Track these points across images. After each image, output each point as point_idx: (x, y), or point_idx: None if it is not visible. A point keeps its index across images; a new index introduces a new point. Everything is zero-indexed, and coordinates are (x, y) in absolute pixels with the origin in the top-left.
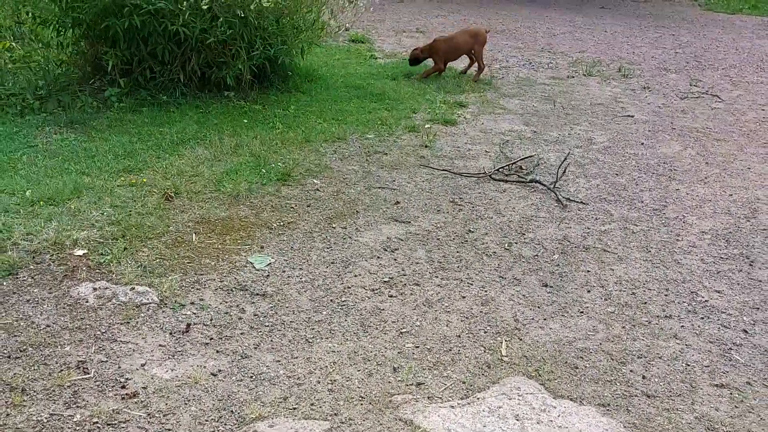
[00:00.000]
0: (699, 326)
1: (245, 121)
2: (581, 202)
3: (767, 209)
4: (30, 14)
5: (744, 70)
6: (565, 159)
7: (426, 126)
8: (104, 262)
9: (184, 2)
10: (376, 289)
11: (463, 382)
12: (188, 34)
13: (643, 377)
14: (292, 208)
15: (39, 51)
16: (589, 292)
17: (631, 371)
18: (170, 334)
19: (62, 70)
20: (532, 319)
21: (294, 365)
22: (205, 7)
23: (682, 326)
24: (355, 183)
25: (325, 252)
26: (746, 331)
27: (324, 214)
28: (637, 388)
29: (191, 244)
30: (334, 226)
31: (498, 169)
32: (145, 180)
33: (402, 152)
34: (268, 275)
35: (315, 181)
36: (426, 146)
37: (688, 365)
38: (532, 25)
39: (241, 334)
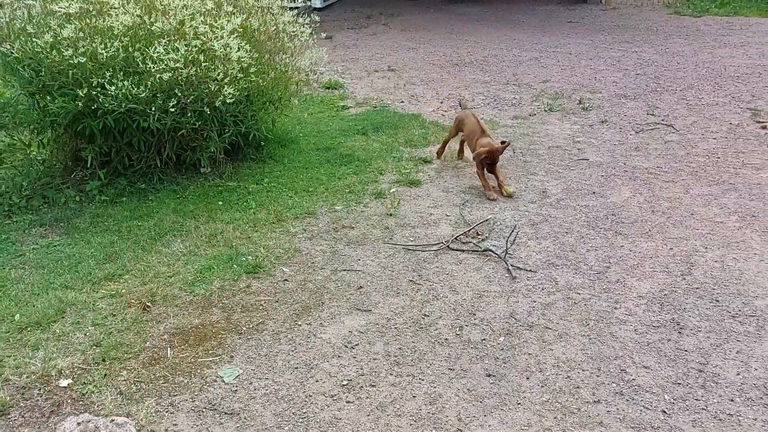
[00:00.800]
0: (623, 410)
1: (220, 203)
2: (530, 270)
3: (703, 262)
4: (10, 118)
5: (702, 90)
6: (513, 230)
7: (391, 190)
8: (86, 392)
9: (152, 106)
10: (335, 395)
11: None
12: (161, 128)
13: None
14: (261, 305)
15: (20, 151)
16: (528, 379)
17: None
18: None
19: (44, 167)
20: (474, 416)
21: None
22: (172, 109)
23: (608, 411)
24: (322, 267)
25: (290, 355)
26: (665, 412)
27: (291, 310)
28: None
29: (166, 360)
30: (299, 323)
31: (456, 238)
32: (124, 291)
33: (368, 224)
34: (236, 390)
35: (284, 270)
36: (390, 214)
37: None
38: (499, 53)
39: None
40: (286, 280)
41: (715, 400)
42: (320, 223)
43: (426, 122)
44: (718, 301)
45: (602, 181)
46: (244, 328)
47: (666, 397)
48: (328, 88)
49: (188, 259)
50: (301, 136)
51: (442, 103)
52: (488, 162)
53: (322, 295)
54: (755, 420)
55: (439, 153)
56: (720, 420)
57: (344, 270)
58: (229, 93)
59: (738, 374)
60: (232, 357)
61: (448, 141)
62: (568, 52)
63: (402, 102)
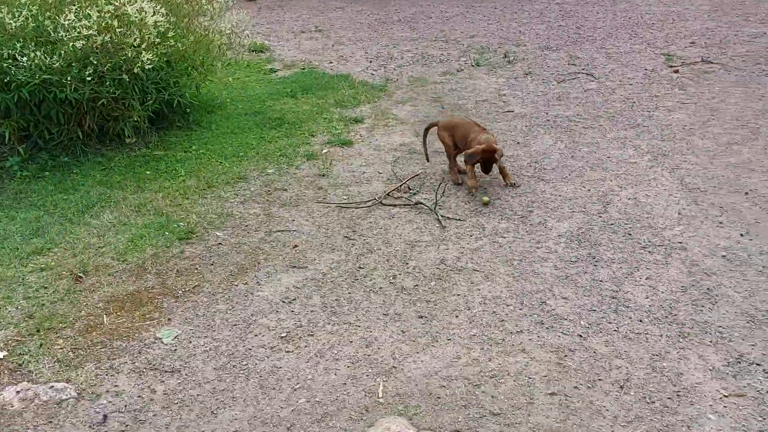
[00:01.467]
0: (543, 337)
1: (148, 172)
2: (459, 219)
3: (618, 200)
4: None
5: (619, 38)
6: (441, 182)
7: (324, 151)
8: (23, 363)
9: (68, 76)
10: (274, 347)
11: (345, 430)
12: (79, 98)
13: (492, 397)
14: (196, 269)
15: None
16: (457, 317)
17: (483, 392)
18: (89, 427)
19: None
20: (408, 354)
21: None
22: (89, 78)
23: (530, 339)
24: (256, 229)
25: (228, 314)
26: (581, 336)
27: (227, 271)
28: (487, 409)
29: (103, 327)
30: (236, 283)
31: (388, 194)
32: (54, 264)
33: (301, 185)
34: (175, 349)
35: (218, 234)
36: (323, 175)
37: (530, 378)
38: (426, 10)
39: (154, 416)
40: (220, 243)
41: (625, 323)
42: (252, 187)
43: (356, 82)
44: (630, 234)
45: (526, 132)
46: (180, 292)
47: (582, 323)
48: (255, 51)
49: (119, 230)
50: (228, 101)
51: (371, 62)
52: (485, 163)
53: (257, 255)
54: (660, 336)
55: (455, 172)
56: (630, 339)
57: (279, 231)
58: (148, 59)
59: (647, 298)
60: (169, 319)
61: (453, 156)
62: (494, 6)
63: (331, 63)
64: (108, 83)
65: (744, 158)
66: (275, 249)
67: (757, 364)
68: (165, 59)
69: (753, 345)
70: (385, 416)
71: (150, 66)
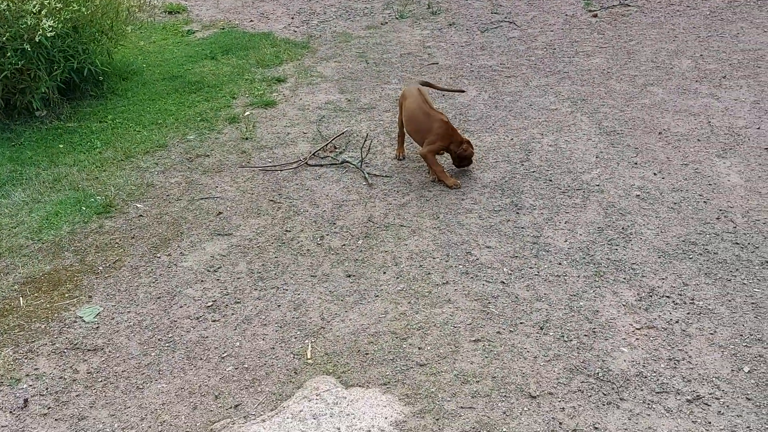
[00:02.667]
0: (468, 286)
1: (61, 146)
2: (386, 176)
3: (539, 148)
4: None
5: None
6: (366, 139)
7: (246, 114)
8: None
9: None
10: (200, 317)
11: (274, 394)
12: None
13: (419, 348)
14: (116, 243)
15: None
16: (384, 273)
17: (410, 345)
18: (10, 413)
19: None
20: (336, 314)
21: (127, 415)
22: None
23: (455, 290)
24: (179, 198)
25: (151, 287)
26: (504, 282)
27: (149, 244)
28: (413, 360)
29: (20, 310)
30: (158, 255)
31: (314, 154)
32: None
33: (224, 150)
34: (98, 326)
35: (138, 206)
36: (246, 138)
37: (455, 327)
38: None
39: (77, 396)
40: (140, 215)
41: (545, 266)
42: (173, 155)
43: (277, 40)
44: (551, 180)
45: (451, 83)
46: (101, 268)
47: (505, 269)
48: (171, 12)
49: (32, 208)
50: (144, 67)
51: (293, 18)
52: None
53: (180, 225)
54: (578, 277)
55: (400, 153)
56: (549, 281)
57: (202, 199)
58: (49, 26)
59: (566, 241)
60: (90, 297)
61: (402, 134)
62: None
63: (251, 21)
64: (9, 54)
65: (658, 99)
66: (198, 218)
67: (667, 296)
68: (70, 25)
69: (663, 279)
70: (314, 376)
71: (53, 33)
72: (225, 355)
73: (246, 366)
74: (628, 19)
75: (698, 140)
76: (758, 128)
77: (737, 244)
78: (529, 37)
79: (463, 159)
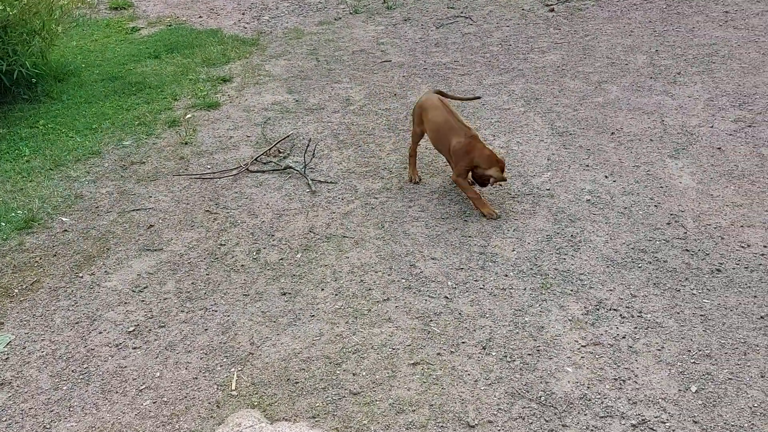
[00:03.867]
0: (410, 303)
1: None
2: (331, 182)
3: (491, 149)
4: None
5: None
6: (309, 144)
7: (187, 116)
8: None
9: None
10: (120, 344)
11: (192, 431)
12: None
13: (353, 375)
14: (36, 262)
15: None
16: (323, 290)
17: (344, 371)
18: None
19: None
20: (267, 337)
21: None
22: None
23: (396, 307)
24: (108, 210)
25: (70, 311)
26: (447, 297)
27: (72, 262)
28: (347, 389)
29: None
30: (81, 275)
31: (255, 159)
32: None
33: (161, 156)
34: (7, 357)
35: (63, 220)
36: (186, 143)
37: (393, 349)
38: None
39: None
40: (65, 230)
41: (491, 279)
42: (106, 163)
43: (225, 37)
44: (501, 185)
45: (403, 82)
46: (16, 291)
47: (449, 283)
48: (116, 8)
49: None
50: (83, 67)
51: (244, 14)
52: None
53: (107, 240)
54: (524, 290)
55: (414, 176)
56: (494, 296)
57: (133, 210)
58: None
59: (513, 251)
60: (1, 324)
61: (415, 152)
62: None
63: (200, 17)
64: None
65: (612, 97)
66: (128, 231)
67: (614, 309)
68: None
69: (611, 290)
70: (237, 410)
71: None
72: (143, 387)
73: (165, 399)
74: (584, 13)
75: (651, 140)
76: (711, 127)
77: (687, 251)
78: (485, 32)
79: (477, 180)
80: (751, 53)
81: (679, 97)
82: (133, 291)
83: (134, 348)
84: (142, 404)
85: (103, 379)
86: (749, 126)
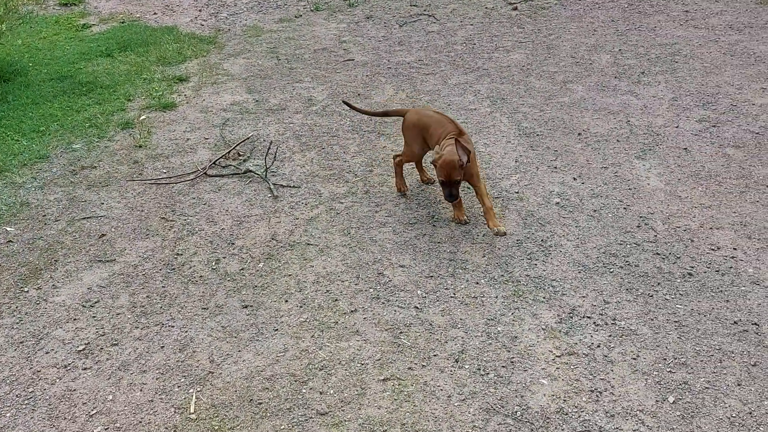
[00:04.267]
0: (379, 314)
1: None
2: (293, 186)
3: None
4: None
5: None
6: (269, 149)
7: (141, 118)
8: None
9: None
10: (69, 365)
11: None
12: None
13: (321, 393)
14: None
15: None
16: (287, 302)
17: (311, 389)
18: None
19: None
20: (228, 354)
21: None
22: None
23: (365, 318)
24: (57, 219)
25: (14, 329)
26: (417, 307)
27: (16, 276)
28: (313, 408)
29: None
30: (26, 290)
31: (214, 163)
32: None
33: (113, 160)
34: None
35: (8, 230)
36: (140, 146)
37: (362, 364)
38: None
39: None
40: (9, 241)
41: (462, 286)
42: (54, 168)
43: (181, 35)
44: (469, 188)
45: (367, 81)
46: None
47: (419, 292)
48: (65, 4)
49: None
50: (30, 66)
51: (200, 11)
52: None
53: (55, 252)
54: (496, 298)
55: (401, 179)
56: (466, 304)
57: (84, 218)
58: None
59: (483, 256)
60: None
61: (419, 161)
62: None
63: (155, 14)
64: None
65: (578, 97)
66: (78, 241)
67: (588, 317)
68: None
69: (584, 297)
70: None
71: None
72: (94, 412)
73: (118, 425)
74: (547, 12)
75: (617, 141)
76: (676, 127)
77: (658, 254)
78: (449, 31)
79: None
80: (712, 53)
81: (643, 96)
82: (84, 306)
83: (84, 369)
84: (93, 431)
85: (50, 404)
86: (713, 126)
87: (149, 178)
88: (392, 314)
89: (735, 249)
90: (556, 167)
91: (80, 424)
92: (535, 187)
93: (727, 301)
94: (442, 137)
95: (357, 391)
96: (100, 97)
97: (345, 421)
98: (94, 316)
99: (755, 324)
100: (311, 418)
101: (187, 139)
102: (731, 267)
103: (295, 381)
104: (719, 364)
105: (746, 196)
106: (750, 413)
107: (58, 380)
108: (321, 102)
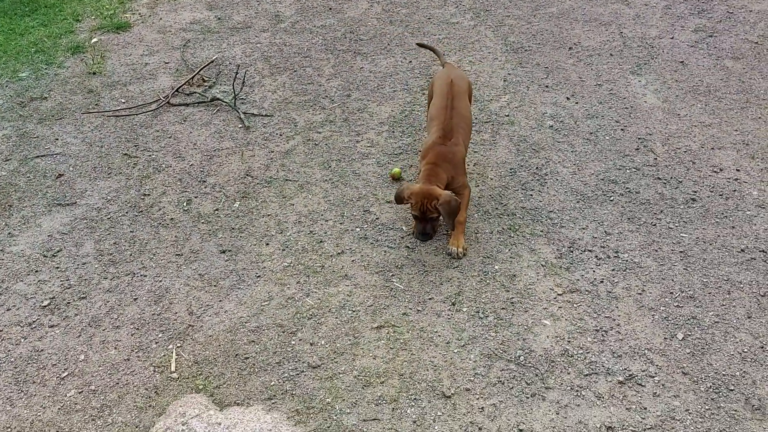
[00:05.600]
0: (368, 255)
1: None
2: (266, 114)
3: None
4: None
5: None
6: (237, 74)
7: (93, 41)
8: None
9: None
10: (34, 322)
11: (129, 426)
12: None
13: (311, 344)
14: None
15: None
16: (268, 245)
17: (300, 341)
18: None
19: None
20: (208, 305)
21: None
22: None
23: (353, 260)
24: (7, 158)
25: None
26: (408, 247)
27: None
28: (305, 362)
29: None
30: None
31: (177, 90)
32: None
33: (65, 90)
34: None
35: None
36: (94, 73)
37: (354, 311)
38: None
39: None
40: None
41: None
42: (0, 100)
43: None
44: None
45: None
46: None
47: (404, 228)
48: None
49: None
50: None
51: None
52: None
53: (8, 195)
54: (492, 233)
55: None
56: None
57: (37, 156)
58: None
59: (476, 186)
60: None
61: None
62: None
63: None
64: None
65: (566, 6)
66: (33, 183)
67: (589, 251)
68: None
69: (584, 229)
70: (180, 396)
71: None
72: (65, 374)
73: (93, 388)
74: None
75: (611, 55)
76: (672, 38)
77: (659, 179)
78: None
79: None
80: None
81: (635, 4)
82: (45, 256)
83: (51, 326)
84: (65, 395)
85: (16, 367)
86: (710, 36)
87: (107, 110)
88: (382, 255)
89: (738, 170)
90: (547, 86)
91: (51, 388)
92: (526, 109)
93: (733, 227)
94: (431, 133)
95: (350, 340)
96: (45, 17)
97: (339, 373)
98: (57, 267)
99: (763, 251)
100: (303, 371)
101: (146, 63)
102: (735, 190)
103: (283, 332)
104: (728, 296)
105: (747, 112)
106: (762, 347)
107: (23, 340)
108: (290, 18)
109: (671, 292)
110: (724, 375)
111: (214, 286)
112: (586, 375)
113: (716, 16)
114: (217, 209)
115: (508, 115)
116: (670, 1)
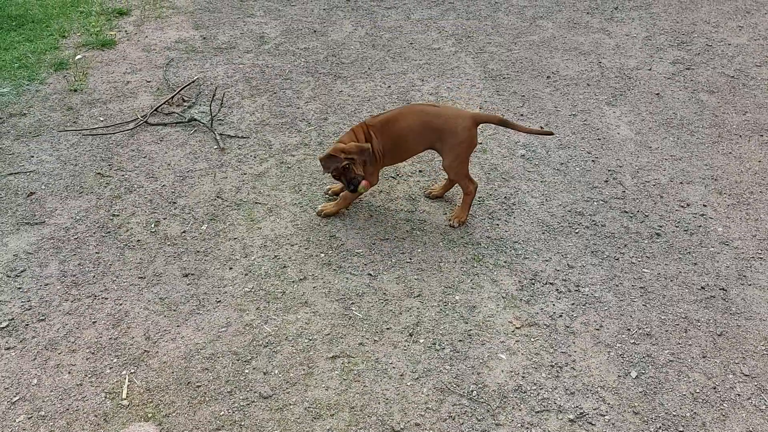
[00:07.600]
0: (330, 282)
1: None
2: (242, 136)
3: (419, 96)
4: None
5: None
6: (215, 95)
7: (77, 57)
8: None
9: None
10: None
11: None
12: None
13: (265, 373)
14: None
15: None
16: (231, 269)
17: (254, 369)
18: None
19: None
20: (165, 330)
21: None
22: None
23: (314, 287)
24: None
25: None
26: (371, 275)
27: None
28: (256, 391)
29: None
30: None
31: (156, 110)
32: None
33: (45, 106)
34: None
35: None
36: (75, 90)
37: (311, 340)
38: None
39: None
40: None
41: (419, 250)
42: None
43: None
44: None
45: (324, 16)
46: None
47: (374, 256)
48: None
49: None
50: None
51: None
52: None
53: None
54: (455, 263)
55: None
56: (422, 270)
57: (10, 174)
58: None
59: (444, 214)
60: None
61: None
62: None
63: None
64: None
65: (548, 35)
66: (3, 201)
67: (551, 283)
68: None
69: (547, 261)
70: (128, 425)
71: None
72: (17, 398)
73: (42, 414)
74: None
75: (588, 85)
76: (649, 69)
77: (626, 212)
78: None
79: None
80: None
81: (616, 35)
82: (8, 276)
83: (7, 348)
84: (14, 421)
85: None
86: (687, 68)
87: (84, 128)
88: (344, 282)
89: (705, 206)
90: (522, 114)
91: (1, 413)
92: (499, 138)
93: (695, 263)
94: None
95: (303, 370)
96: (31, 33)
97: (290, 404)
98: (19, 288)
99: (723, 289)
100: (253, 402)
101: (128, 82)
102: (700, 226)
103: (238, 360)
104: (684, 334)
105: (718, 146)
106: (714, 388)
107: None
108: (274, 39)
109: (629, 329)
110: (674, 416)
111: (174, 310)
112: (538, 412)
113: (695, 48)
114: (184, 231)
115: (481, 143)
116: (651, 32)
